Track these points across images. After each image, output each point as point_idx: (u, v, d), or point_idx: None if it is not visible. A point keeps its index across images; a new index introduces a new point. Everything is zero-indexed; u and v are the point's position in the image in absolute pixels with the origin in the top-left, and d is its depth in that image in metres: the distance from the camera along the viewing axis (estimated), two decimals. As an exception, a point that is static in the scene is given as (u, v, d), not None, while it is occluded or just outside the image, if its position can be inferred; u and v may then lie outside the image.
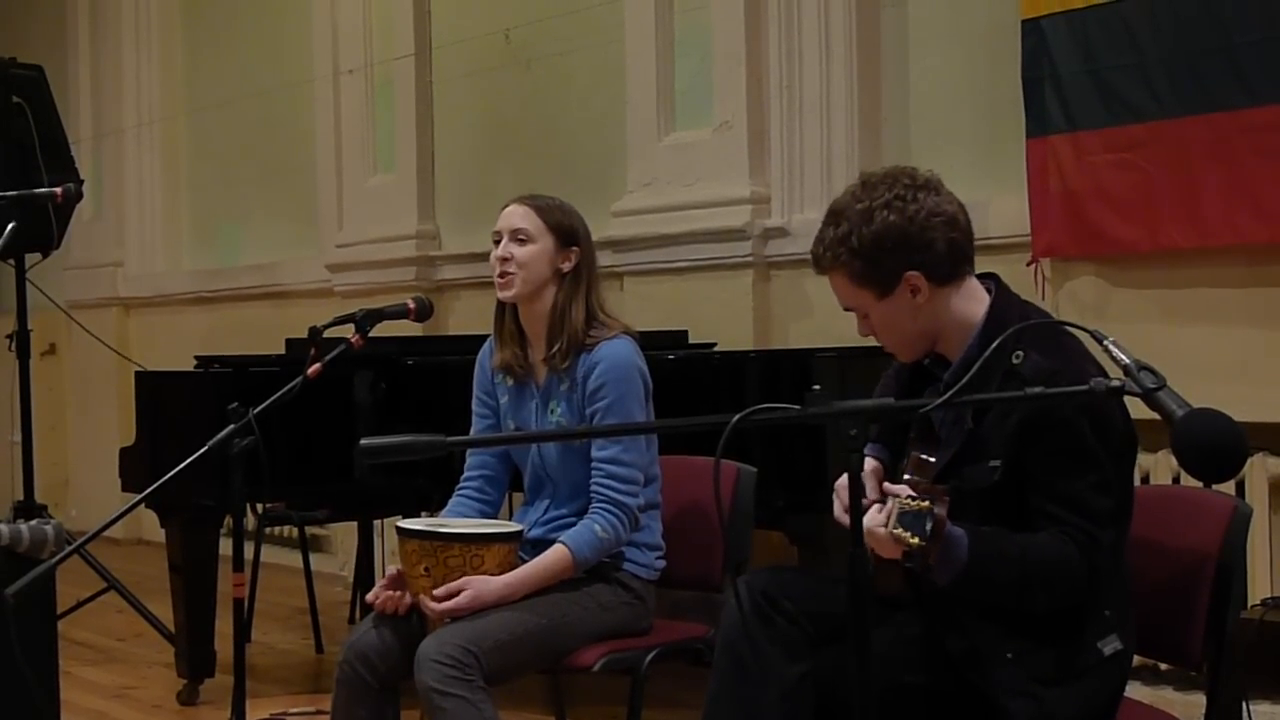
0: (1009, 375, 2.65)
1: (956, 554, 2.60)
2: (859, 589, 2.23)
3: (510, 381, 3.72)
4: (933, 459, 2.81)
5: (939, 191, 2.85)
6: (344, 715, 3.50)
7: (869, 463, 2.89)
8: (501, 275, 3.59)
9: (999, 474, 2.72)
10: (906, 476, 2.75)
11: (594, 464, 3.53)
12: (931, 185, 2.85)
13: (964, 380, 2.41)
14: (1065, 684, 2.71)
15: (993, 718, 2.68)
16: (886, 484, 2.67)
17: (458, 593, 3.33)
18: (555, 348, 3.59)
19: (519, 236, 3.59)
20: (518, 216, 3.62)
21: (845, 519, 2.41)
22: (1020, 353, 2.67)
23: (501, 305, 3.68)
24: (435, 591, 3.35)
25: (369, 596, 3.53)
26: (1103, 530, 2.68)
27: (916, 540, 2.45)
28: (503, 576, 3.39)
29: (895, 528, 2.47)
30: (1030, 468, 2.70)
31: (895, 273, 2.81)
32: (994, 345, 2.50)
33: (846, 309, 2.92)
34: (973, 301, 2.88)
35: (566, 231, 3.61)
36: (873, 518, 2.55)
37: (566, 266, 3.61)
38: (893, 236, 2.78)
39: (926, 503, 2.47)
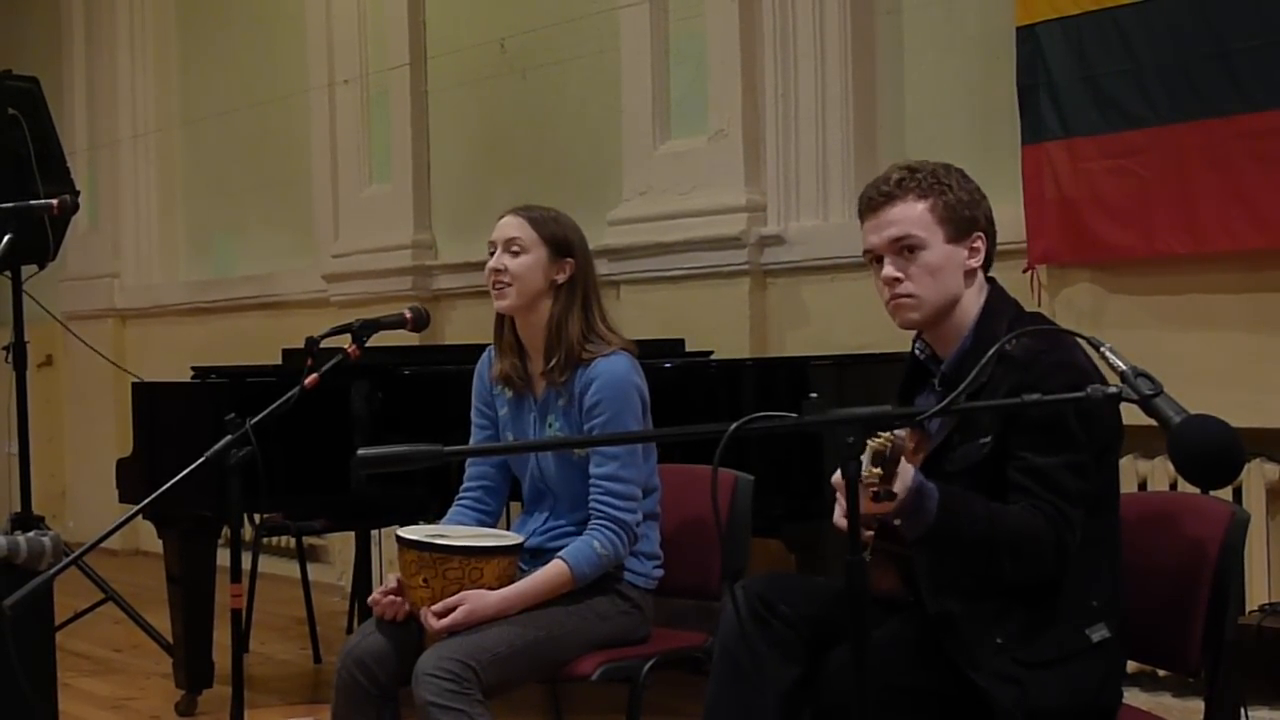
0: (1000, 357, 2.67)
1: (927, 505, 2.62)
2: (857, 594, 2.23)
3: (509, 393, 3.72)
4: (913, 441, 2.86)
5: None
6: (347, 719, 3.50)
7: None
8: (495, 286, 3.60)
9: (988, 449, 2.76)
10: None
11: (592, 481, 3.53)
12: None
13: (960, 390, 2.44)
14: (1051, 669, 2.73)
15: (981, 710, 2.69)
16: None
17: (455, 607, 3.34)
18: (553, 361, 3.59)
19: (512, 247, 3.59)
20: (512, 227, 3.62)
21: (844, 523, 2.43)
22: (1012, 341, 2.70)
23: (501, 316, 3.68)
24: (434, 608, 3.35)
25: (370, 599, 3.53)
26: (1072, 508, 2.70)
27: (877, 470, 2.43)
28: (500, 591, 3.40)
29: (868, 467, 2.43)
30: (1011, 442, 2.74)
31: (974, 224, 2.93)
32: (987, 356, 2.52)
33: (892, 243, 2.90)
34: (978, 296, 2.94)
35: (560, 243, 3.61)
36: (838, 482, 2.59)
37: (561, 278, 3.60)
38: (979, 203, 2.94)
39: (888, 434, 2.45)
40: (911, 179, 2.91)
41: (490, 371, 3.75)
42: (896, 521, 2.64)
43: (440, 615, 3.35)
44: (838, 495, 2.62)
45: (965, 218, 2.91)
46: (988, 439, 2.76)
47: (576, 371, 3.58)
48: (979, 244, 2.93)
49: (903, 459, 2.53)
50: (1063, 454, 2.70)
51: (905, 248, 2.89)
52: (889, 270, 2.92)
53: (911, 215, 2.89)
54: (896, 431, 2.47)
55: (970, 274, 2.93)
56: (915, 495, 2.60)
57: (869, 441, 2.46)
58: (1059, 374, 2.67)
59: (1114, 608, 2.81)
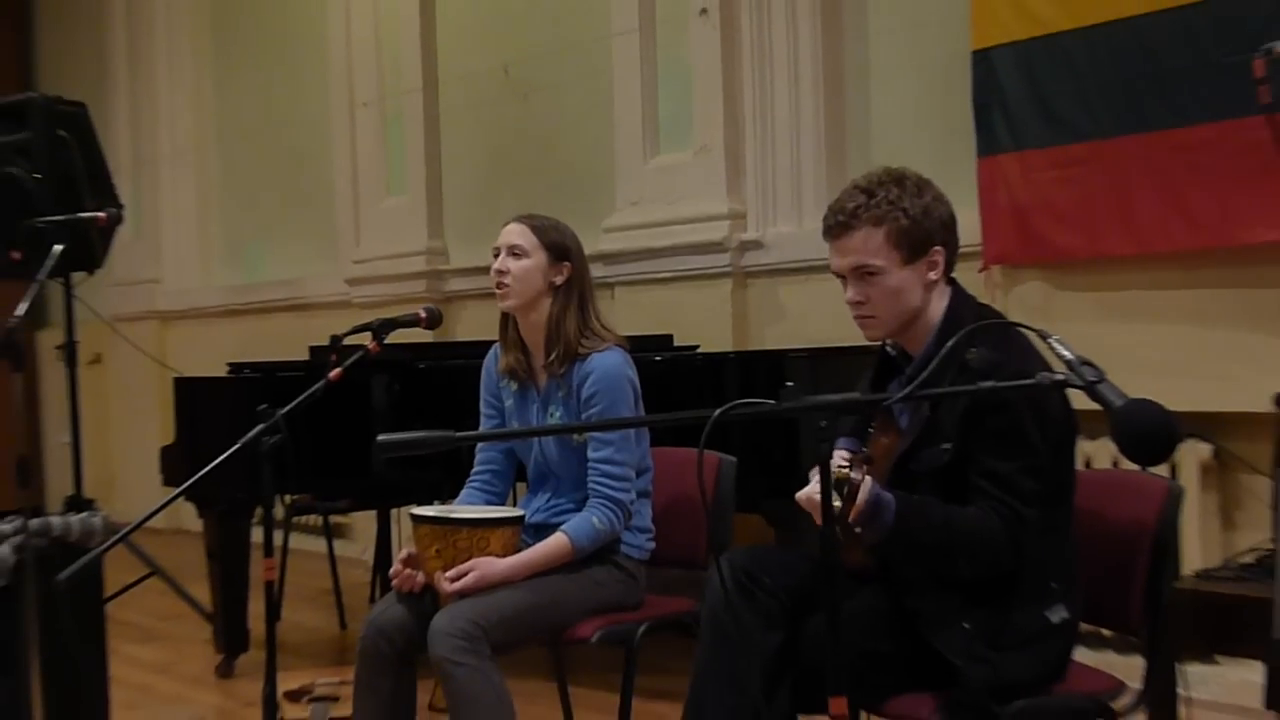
0: (962, 368, 2.66)
1: (884, 517, 2.61)
2: (830, 565, 2.23)
3: (514, 385, 3.72)
4: (888, 441, 2.87)
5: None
6: (366, 684, 3.50)
7: (840, 453, 2.88)
8: (499, 286, 3.60)
9: (949, 456, 2.73)
10: (864, 452, 2.77)
11: (590, 463, 3.54)
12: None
13: (921, 377, 2.42)
14: (1017, 649, 2.71)
15: (951, 680, 2.69)
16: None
17: (466, 573, 3.35)
18: (552, 355, 3.59)
19: (515, 251, 3.60)
20: (515, 234, 3.62)
21: (815, 499, 2.43)
22: (973, 349, 2.67)
23: (506, 316, 3.68)
24: (447, 574, 3.36)
25: (390, 573, 3.54)
26: (1027, 508, 2.68)
27: (837, 503, 2.43)
28: (507, 559, 3.40)
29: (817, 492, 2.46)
30: (971, 447, 2.72)
31: (930, 240, 2.84)
32: (950, 343, 2.51)
33: (852, 270, 2.85)
34: (942, 300, 2.90)
35: (559, 248, 3.61)
36: (809, 489, 2.61)
37: (559, 280, 3.60)
38: (937, 216, 2.85)
39: (846, 470, 2.48)
40: (867, 207, 2.82)
41: (496, 366, 3.75)
42: (857, 529, 2.63)
43: (453, 579, 3.35)
44: (812, 475, 2.62)
45: (920, 238, 2.82)
46: (949, 445, 2.74)
47: (574, 365, 3.58)
48: (937, 257, 2.85)
49: (862, 473, 2.53)
50: (1019, 458, 2.68)
51: (864, 273, 2.84)
52: (851, 294, 2.88)
53: (868, 245, 2.82)
54: (853, 475, 2.48)
55: (931, 285, 2.87)
56: (873, 506, 2.58)
57: (836, 469, 2.47)
58: (1011, 376, 2.65)
59: (1071, 589, 2.80)
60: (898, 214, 2.81)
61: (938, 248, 2.86)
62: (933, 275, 2.86)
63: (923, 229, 2.83)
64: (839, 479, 2.49)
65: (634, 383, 3.60)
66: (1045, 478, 2.71)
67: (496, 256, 3.62)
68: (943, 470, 2.74)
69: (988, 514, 2.67)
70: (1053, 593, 2.77)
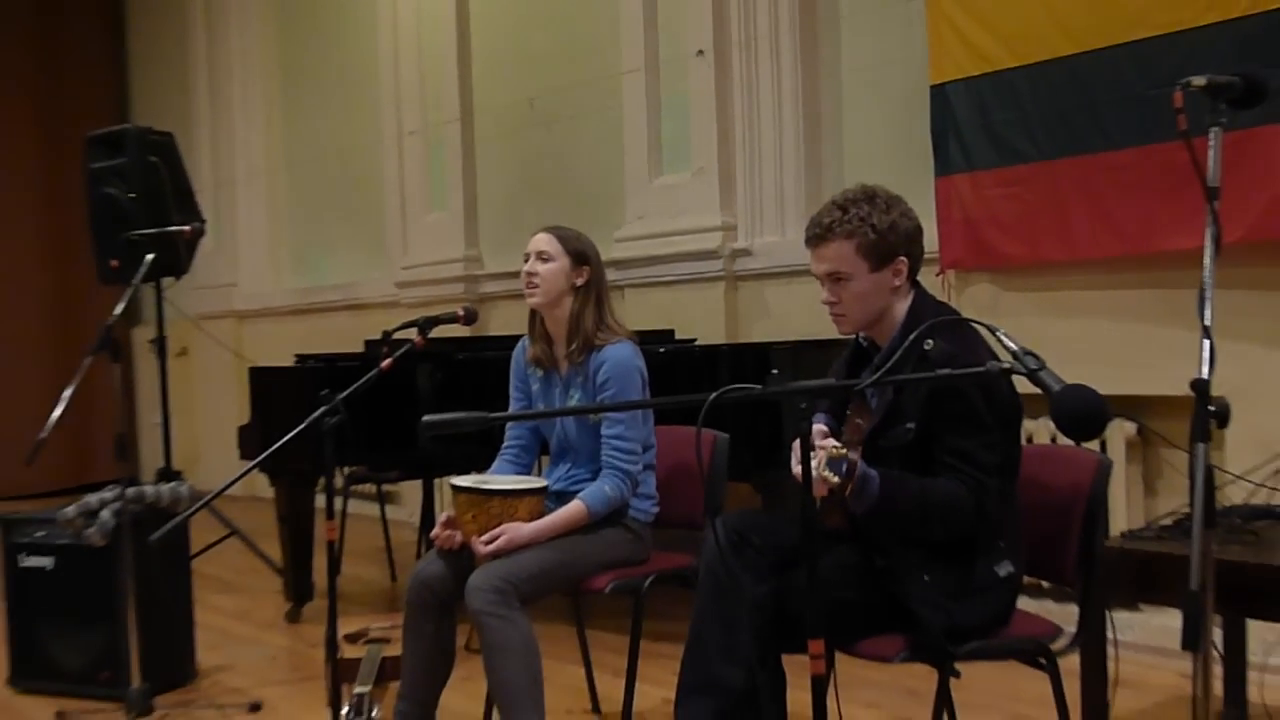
0: (922, 358, 2.66)
1: (870, 489, 2.62)
2: (808, 526, 2.23)
3: (539, 372, 3.72)
4: (862, 422, 2.86)
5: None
6: (413, 628, 3.51)
7: (818, 427, 2.90)
8: (528, 286, 3.61)
9: (912, 434, 2.73)
10: (845, 438, 2.78)
11: (604, 440, 3.53)
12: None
13: (888, 365, 2.44)
14: (969, 598, 2.71)
15: (912, 625, 2.69)
16: (816, 440, 2.66)
17: (498, 537, 3.35)
18: (573, 345, 3.60)
19: (542, 256, 3.60)
20: (542, 241, 3.63)
21: (799, 471, 2.42)
22: (930, 341, 2.67)
23: (534, 312, 3.68)
24: (481, 538, 3.36)
25: (432, 534, 3.54)
26: (988, 478, 2.68)
27: (836, 479, 2.50)
28: (532, 524, 3.40)
29: (823, 470, 2.51)
30: (934, 428, 2.71)
31: (893, 254, 2.84)
32: (911, 337, 2.53)
33: (828, 275, 2.86)
34: (906, 299, 2.90)
35: (579, 254, 3.62)
36: (818, 473, 2.58)
37: (580, 281, 3.60)
38: (901, 230, 2.85)
39: (844, 450, 2.51)
40: (841, 222, 2.83)
41: (525, 356, 3.75)
42: (847, 501, 2.64)
43: (486, 543, 3.36)
44: (794, 451, 2.62)
45: (886, 250, 2.83)
46: (912, 425, 2.74)
47: (591, 355, 3.58)
48: (901, 266, 2.85)
49: (858, 454, 2.58)
50: (977, 435, 2.69)
51: (837, 279, 2.86)
52: (825, 295, 2.89)
53: (840, 254, 2.83)
54: (850, 455, 2.53)
55: (896, 289, 2.87)
56: (861, 481, 2.60)
57: (826, 451, 2.51)
58: (963, 366, 2.66)
59: (1016, 548, 2.80)
60: (867, 229, 2.82)
61: (901, 258, 2.86)
62: (897, 281, 2.87)
63: (888, 242, 2.83)
64: (836, 458, 2.51)
65: (642, 371, 3.60)
66: (999, 450, 2.72)
67: (526, 261, 3.62)
68: (907, 447, 2.74)
69: (956, 485, 2.67)
70: (1000, 550, 2.76)
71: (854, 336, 3.01)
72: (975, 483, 2.67)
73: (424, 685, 3.55)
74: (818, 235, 2.87)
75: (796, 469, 2.63)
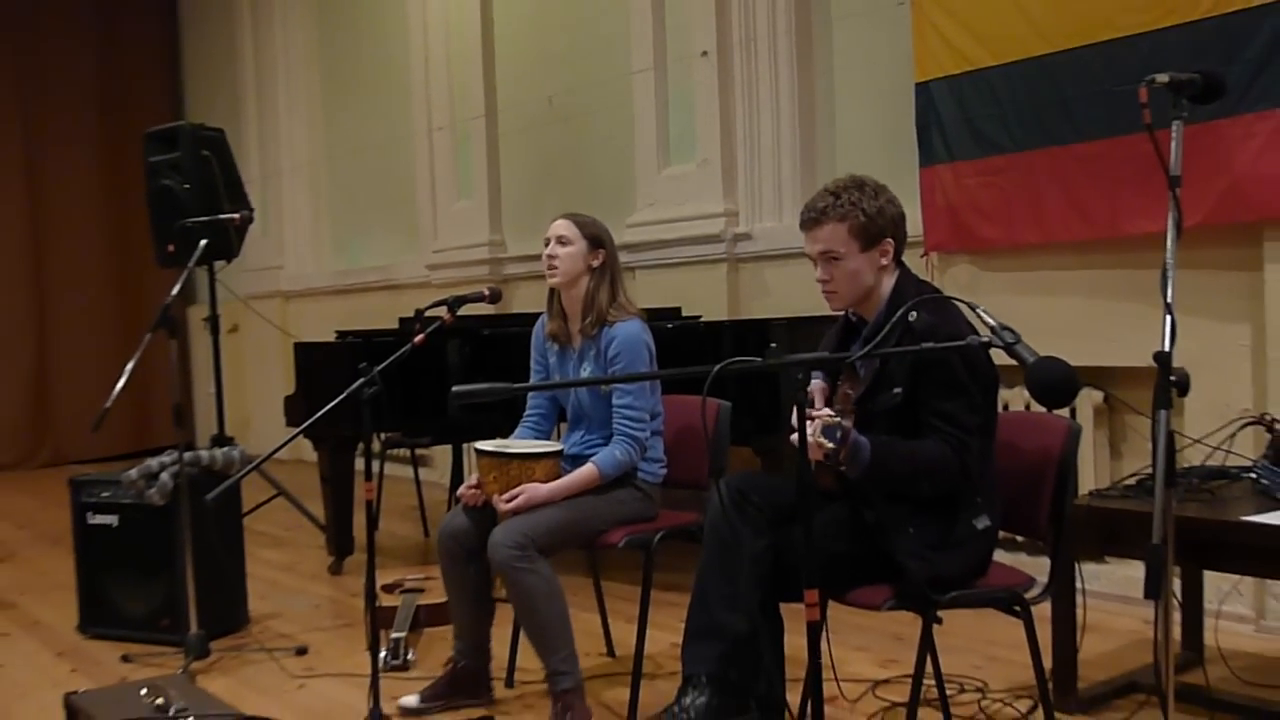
0: (907, 329, 2.66)
1: (862, 455, 2.62)
2: (804, 486, 2.23)
3: (557, 346, 3.71)
4: (852, 392, 2.87)
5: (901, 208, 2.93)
6: (450, 577, 3.54)
7: (816, 383, 2.93)
8: (549, 267, 3.61)
9: (899, 399, 2.73)
10: (836, 407, 2.79)
11: (615, 408, 3.53)
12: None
13: (878, 339, 2.44)
14: (949, 549, 2.71)
15: (897, 576, 2.69)
16: (811, 410, 2.66)
17: (518, 496, 3.36)
18: (586, 319, 3.59)
19: (562, 240, 3.59)
20: (561, 227, 3.62)
21: (797, 437, 2.43)
22: (914, 313, 2.67)
23: (553, 292, 3.68)
24: (503, 496, 3.38)
25: (459, 492, 3.56)
26: (971, 438, 2.68)
27: (831, 445, 2.53)
28: (549, 484, 3.40)
29: (819, 437, 2.53)
30: (920, 394, 2.71)
31: (882, 235, 2.85)
32: (900, 312, 2.53)
33: (821, 254, 2.87)
34: (891, 278, 2.90)
35: (595, 238, 3.61)
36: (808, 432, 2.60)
37: (595, 263, 3.60)
38: (888, 214, 2.86)
39: (838, 419, 2.54)
40: (834, 206, 2.84)
41: (544, 331, 3.75)
42: (842, 467, 2.64)
43: (507, 501, 3.37)
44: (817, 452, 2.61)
45: (874, 232, 2.83)
46: (898, 390, 2.73)
47: (603, 330, 3.57)
48: (888, 247, 2.85)
49: (851, 422, 2.60)
50: (959, 399, 2.68)
51: (830, 258, 2.86)
52: (819, 273, 2.89)
53: (834, 235, 2.84)
54: (844, 423, 2.56)
55: (883, 268, 2.87)
56: (854, 447, 2.60)
57: (821, 419, 2.54)
58: (944, 335, 2.65)
59: (992, 503, 2.80)
60: (858, 213, 2.82)
61: (888, 240, 2.86)
62: (884, 260, 2.86)
63: (876, 225, 2.83)
64: (830, 425, 2.53)
65: (649, 345, 3.60)
66: (980, 412, 2.72)
67: (547, 245, 3.62)
68: (895, 410, 2.74)
69: (941, 445, 2.67)
70: (978, 506, 2.76)
71: (844, 313, 3.01)
72: (958, 442, 2.67)
73: (471, 625, 3.59)
74: (813, 219, 2.87)
75: (794, 436, 2.64)
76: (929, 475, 2.68)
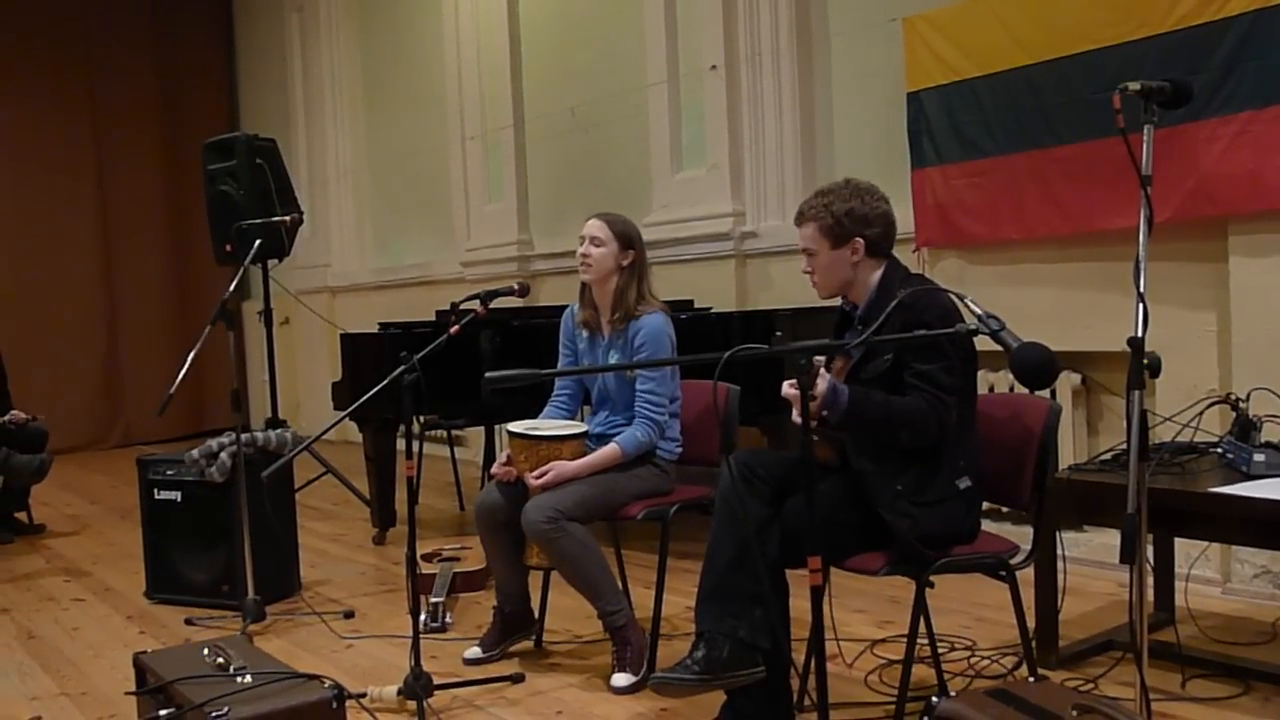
0: (899, 304, 2.66)
1: (840, 399, 2.65)
2: (807, 460, 2.23)
3: (587, 333, 3.71)
4: (840, 364, 2.91)
5: (887, 203, 2.93)
6: (488, 541, 3.57)
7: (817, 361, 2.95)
8: (582, 264, 3.61)
9: (889, 363, 2.75)
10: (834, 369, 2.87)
11: (637, 393, 3.53)
12: (884, 198, 2.94)
13: (875, 326, 2.44)
14: (933, 507, 2.72)
15: (892, 541, 2.69)
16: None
17: (547, 473, 3.38)
18: (616, 314, 3.60)
19: (595, 241, 3.59)
20: (595, 227, 3.62)
21: (797, 419, 2.43)
22: (902, 290, 2.69)
23: (584, 285, 3.69)
24: (533, 474, 3.39)
25: (492, 470, 3.57)
26: (947, 395, 2.69)
27: (797, 386, 2.48)
28: (576, 462, 3.42)
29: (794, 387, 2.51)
30: (904, 358, 2.74)
31: (849, 235, 2.87)
32: (891, 305, 2.54)
33: (803, 250, 2.94)
34: (877, 269, 2.91)
35: (626, 238, 3.61)
36: (787, 388, 2.63)
37: (625, 262, 3.60)
38: (856, 215, 2.87)
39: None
40: (810, 208, 2.91)
41: (574, 319, 3.75)
42: (825, 413, 2.65)
43: (537, 477, 3.38)
44: (793, 402, 2.62)
45: (842, 233, 2.86)
46: (888, 357, 2.75)
47: (630, 323, 3.57)
48: (858, 245, 2.87)
49: (823, 372, 2.61)
50: (937, 361, 2.70)
51: (808, 253, 2.93)
52: (803, 265, 2.97)
53: (808, 234, 2.91)
54: (816, 367, 2.52)
55: (856, 263, 2.89)
56: (831, 392, 2.63)
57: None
58: (934, 312, 2.68)
59: (973, 465, 2.80)
60: (827, 215, 2.88)
61: (857, 239, 2.87)
62: (855, 257, 2.88)
63: (843, 225, 2.87)
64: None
65: (672, 337, 3.60)
66: (957, 375, 2.72)
67: (582, 243, 3.62)
68: (884, 374, 2.76)
69: (919, 399, 2.69)
70: (961, 468, 2.77)
71: (839, 303, 3.02)
72: (934, 398, 2.68)
73: (512, 579, 3.63)
74: (797, 218, 2.96)
75: (796, 419, 2.64)
76: (905, 424, 2.68)
